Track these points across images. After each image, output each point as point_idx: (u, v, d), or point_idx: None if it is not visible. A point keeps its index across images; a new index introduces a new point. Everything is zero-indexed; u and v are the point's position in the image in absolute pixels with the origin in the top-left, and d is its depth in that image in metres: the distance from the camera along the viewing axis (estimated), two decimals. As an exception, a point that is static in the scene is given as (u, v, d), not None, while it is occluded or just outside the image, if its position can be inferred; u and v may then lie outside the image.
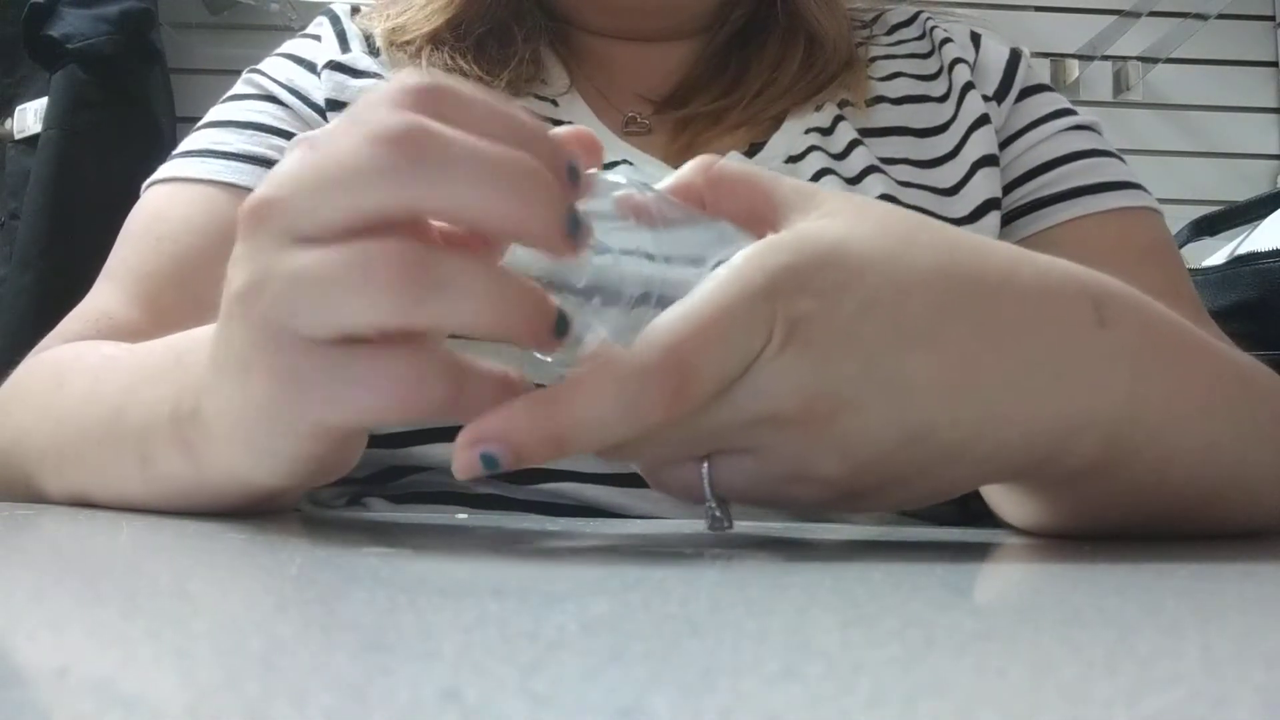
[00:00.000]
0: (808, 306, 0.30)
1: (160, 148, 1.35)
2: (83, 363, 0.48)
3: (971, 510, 0.53)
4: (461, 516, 0.46)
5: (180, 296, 0.55)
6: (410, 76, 0.29)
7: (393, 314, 0.27)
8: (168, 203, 0.59)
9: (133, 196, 0.62)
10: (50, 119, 1.36)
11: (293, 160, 0.29)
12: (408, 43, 0.63)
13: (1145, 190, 0.61)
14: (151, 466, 0.38)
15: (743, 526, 0.44)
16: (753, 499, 0.34)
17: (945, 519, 0.55)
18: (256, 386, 0.30)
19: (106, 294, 0.58)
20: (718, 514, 0.34)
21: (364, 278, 0.27)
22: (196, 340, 0.37)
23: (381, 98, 0.28)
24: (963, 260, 0.33)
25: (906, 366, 0.31)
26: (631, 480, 0.51)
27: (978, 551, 0.37)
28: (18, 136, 1.42)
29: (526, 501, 0.52)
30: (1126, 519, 0.39)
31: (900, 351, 0.31)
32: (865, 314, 0.31)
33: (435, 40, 0.63)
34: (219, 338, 0.32)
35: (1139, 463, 0.36)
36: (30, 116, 1.41)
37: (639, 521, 0.48)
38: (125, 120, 1.39)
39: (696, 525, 0.45)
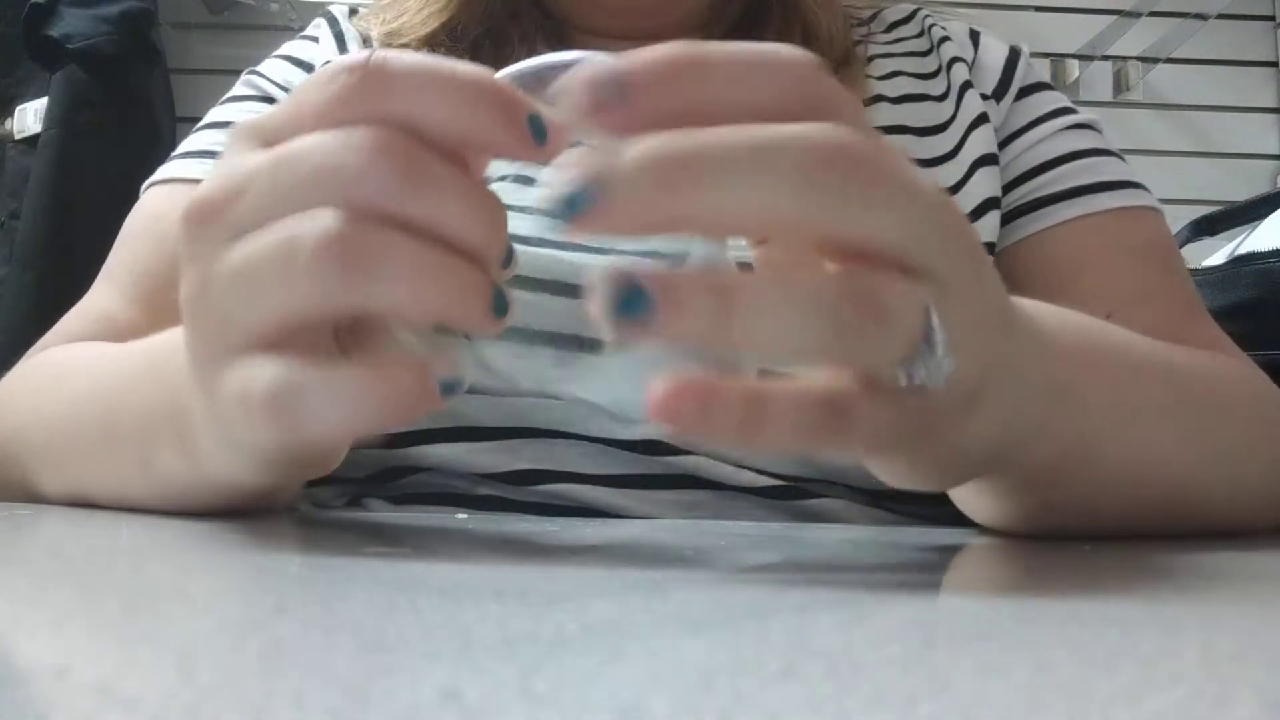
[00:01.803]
0: None
1: (160, 148, 1.35)
2: (73, 364, 0.48)
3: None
4: (461, 517, 0.46)
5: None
6: (350, 57, 0.27)
7: (318, 300, 0.26)
8: (167, 203, 0.59)
9: (133, 196, 0.62)
10: (50, 119, 1.37)
11: (238, 160, 0.28)
12: (403, 45, 0.63)
13: (1145, 189, 0.61)
14: (152, 469, 0.38)
15: (743, 526, 0.44)
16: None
17: (945, 519, 0.55)
18: (218, 396, 0.30)
19: (106, 294, 0.58)
20: (941, 352, 0.27)
21: (286, 264, 0.26)
22: (178, 337, 0.37)
23: (325, 82, 0.27)
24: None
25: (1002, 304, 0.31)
26: (631, 482, 0.51)
27: (977, 551, 0.37)
28: (18, 136, 1.42)
29: (526, 502, 0.52)
30: (1090, 518, 0.39)
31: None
32: None
33: (431, 43, 0.63)
34: (187, 342, 0.32)
35: (1090, 470, 0.37)
36: (30, 116, 1.41)
37: (639, 522, 0.48)
38: (125, 120, 1.39)
39: (696, 525, 0.45)
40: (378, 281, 0.26)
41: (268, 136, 0.29)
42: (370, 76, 0.27)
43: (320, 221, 0.26)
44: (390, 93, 0.27)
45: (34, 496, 0.46)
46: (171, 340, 0.39)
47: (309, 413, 0.27)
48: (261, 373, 0.28)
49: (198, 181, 0.59)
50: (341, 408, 0.27)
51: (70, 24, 1.37)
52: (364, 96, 0.27)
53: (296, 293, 0.27)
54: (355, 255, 0.26)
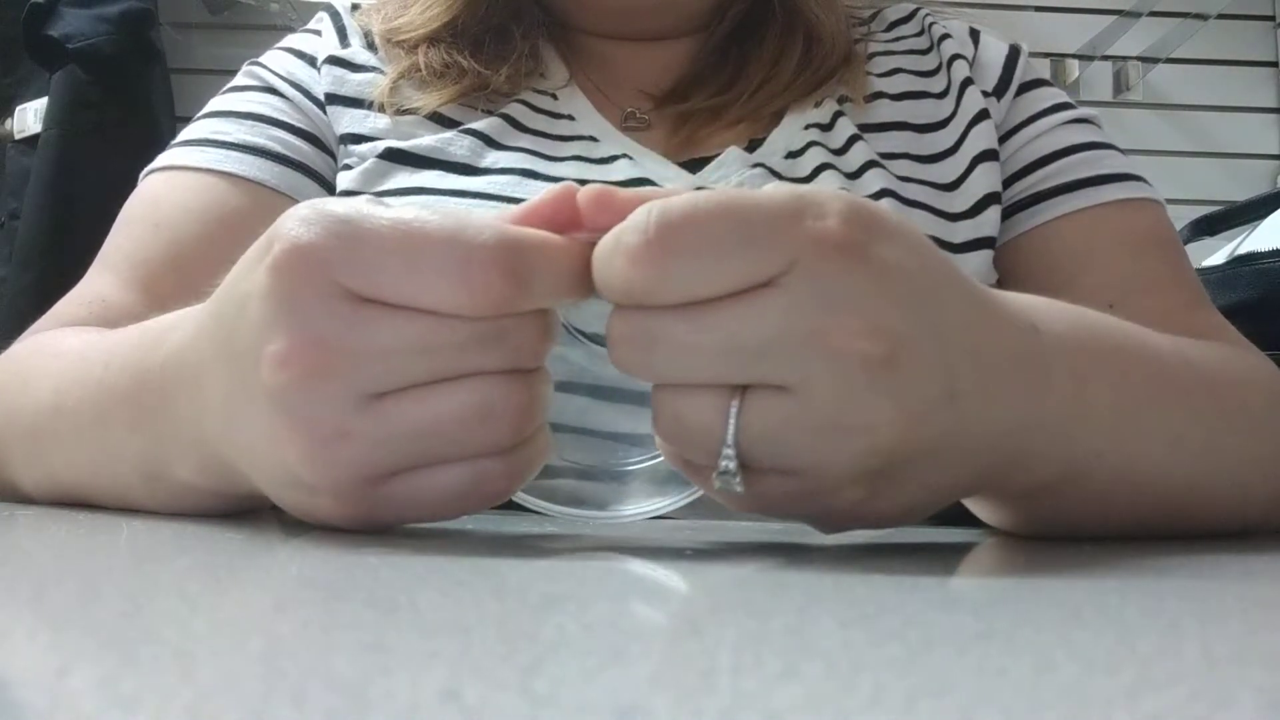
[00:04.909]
0: (858, 236, 0.29)
1: (160, 148, 1.34)
2: (43, 364, 0.46)
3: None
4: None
5: (177, 282, 0.55)
6: (476, 232, 0.29)
7: (489, 448, 0.31)
8: (166, 190, 0.59)
9: (133, 196, 0.62)
10: (50, 119, 1.36)
11: (355, 313, 0.29)
12: (404, 41, 0.63)
13: (1145, 182, 0.61)
14: (161, 481, 0.38)
15: (743, 527, 0.44)
16: (775, 457, 0.30)
17: (946, 519, 0.55)
18: (292, 465, 0.31)
19: (101, 278, 0.57)
20: (731, 467, 0.29)
21: (469, 425, 0.30)
22: (169, 354, 0.36)
23: (448, 249, 0.29)
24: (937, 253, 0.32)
25: (945, 317, 0.30)
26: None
27: (978, 551, 0.37)
28: (18, 136, 1.42)
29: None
30: (1103, 520, 0.39)
31: (940, 302, 0.30)
32: (911, 255, 0.30)
33: (433, 40, 0.63)
34: (231, 380, 0.32)
35: (1101, 466, 0.36)
36: (30, 116, 1.41)
37: (639, 522, 0.48)
38: (125, 120, 1.39)
39: (697, 525, 0.45)
40: (531, 426, 0.31)
41: (368, 276, 0.29)
42: (513, 275, 0.29)
43: (494, 387, 0.30)
44: (528, 289, 0.29)
45: (23, 499, 0.46)
46: (172, 354, 0.37)
47: (410, 510, 0.32)
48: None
49: (198, 169, 0.59)
50: (437, 504, 0.32)
51: (70, 24, 1.37)
52: (512, 290, 0.29)
53: (470, 447, 0.31)
54: (521, 417, 0.31)
